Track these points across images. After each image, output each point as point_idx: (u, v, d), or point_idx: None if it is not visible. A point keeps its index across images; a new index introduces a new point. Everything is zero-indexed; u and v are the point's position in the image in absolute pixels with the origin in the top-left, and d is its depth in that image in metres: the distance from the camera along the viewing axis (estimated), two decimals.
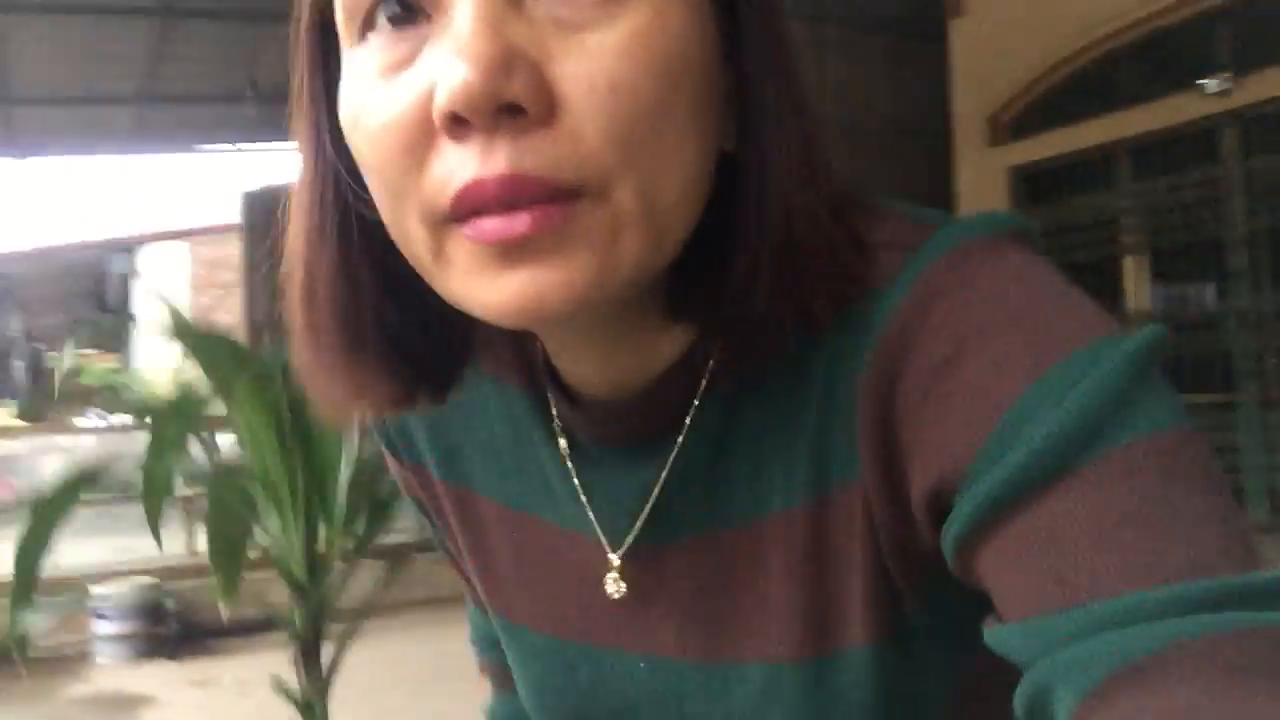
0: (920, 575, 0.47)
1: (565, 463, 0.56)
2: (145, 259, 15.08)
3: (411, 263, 0.44)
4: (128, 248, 15.35)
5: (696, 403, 0.50)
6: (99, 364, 10.65)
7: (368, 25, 0.42)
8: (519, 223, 0.39)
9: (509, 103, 0.38)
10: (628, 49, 0.39)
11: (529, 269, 0.40)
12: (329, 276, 0.46)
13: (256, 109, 6.58)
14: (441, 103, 0.38)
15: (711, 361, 0.50)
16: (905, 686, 0.49)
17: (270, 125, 6.34)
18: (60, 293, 15.05)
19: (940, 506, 0.42)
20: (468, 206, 0.39)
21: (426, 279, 0.44)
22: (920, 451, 0.42)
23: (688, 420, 0.51)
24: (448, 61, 0.38)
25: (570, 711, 0.59)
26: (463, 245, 0.41)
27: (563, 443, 0.56)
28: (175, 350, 2.49)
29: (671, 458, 0.51)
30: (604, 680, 0.57)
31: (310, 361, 0.48)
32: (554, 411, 0.56)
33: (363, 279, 0.46)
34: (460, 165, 0.39)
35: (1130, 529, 0.36)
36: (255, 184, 8.04)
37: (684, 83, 0.41)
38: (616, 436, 0.53)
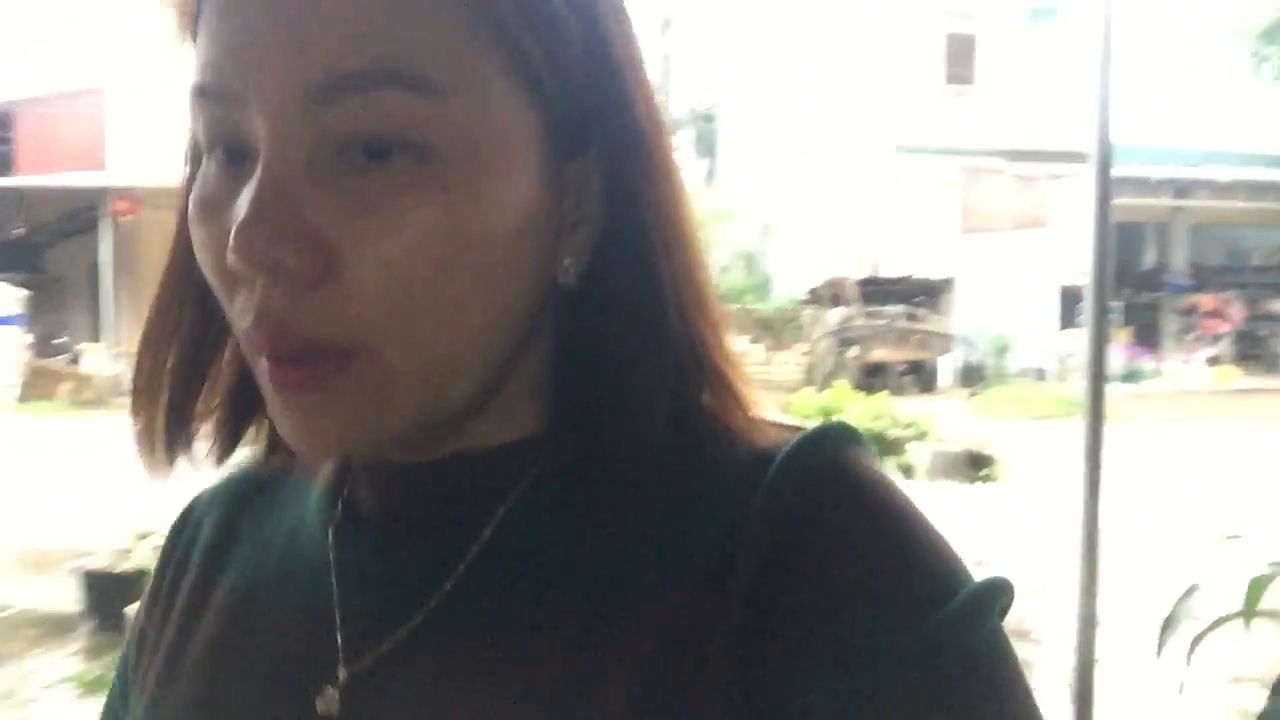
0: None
1: (329, 541, 0.52)
2: None
3: None
4: None
5: (521, 488, 0.49)
6: None
7: (210, 150, 0.44)
8: (290, 376, 0.42)
9: (279, 265, 0.40)
10: (409, 231, 0.41)
11: (303, 413, 0.43)
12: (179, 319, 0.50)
13: None
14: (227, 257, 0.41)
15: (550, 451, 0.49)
16: None
17: None
18: None
19: (772, 663, 0.42)
20: (252, 346, 0.43)
21: None
22: (784, 618, 0.43)
23: (502, 506, 0.49)
24: (236, 223, 0.40)
25: None
26: (262, 369, 0.44)
27: (326, 513, 0.54)
28: None
29: (482, 540, 0.48)
30: None
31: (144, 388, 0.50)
32: (345, 489, 0.54)
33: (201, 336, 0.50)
34: (246, 307, 0.42)
35: None
36: None
37: (473, 267, 0.42)
38: (416, 509, 0.50)
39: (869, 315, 16.62)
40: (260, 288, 0.41)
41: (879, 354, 16.11)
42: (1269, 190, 16.75)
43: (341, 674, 0.48)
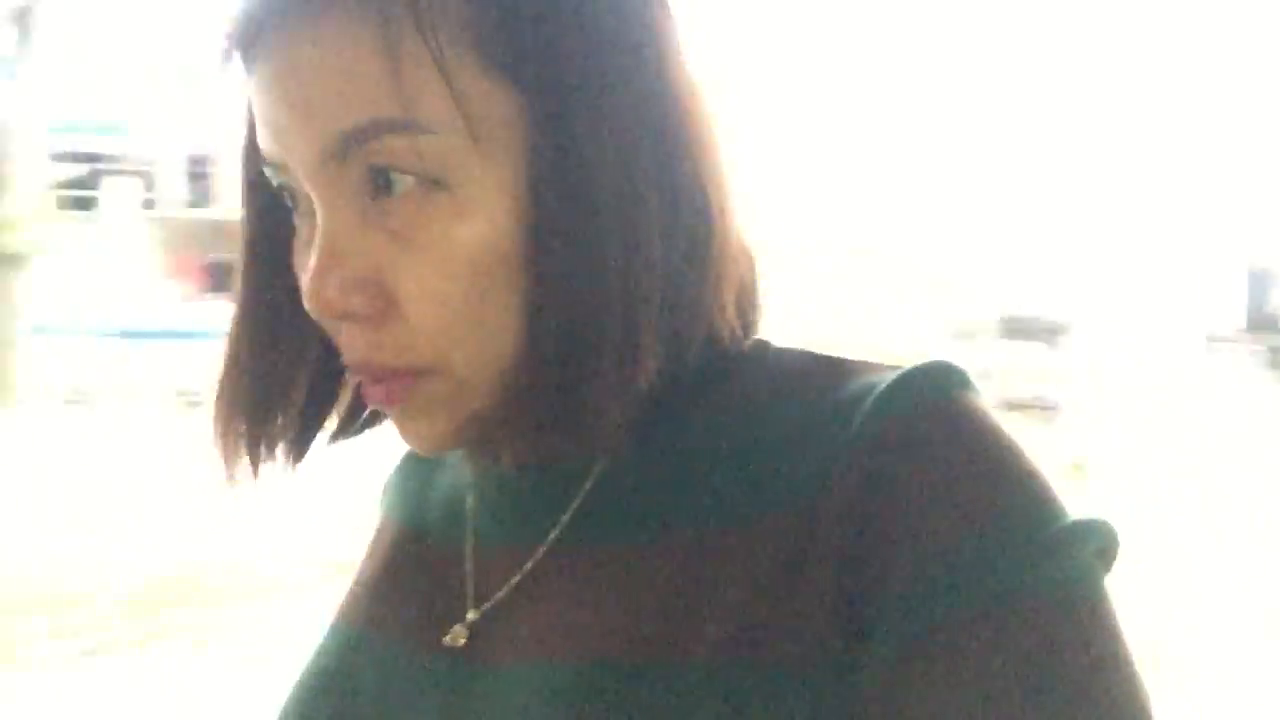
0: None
1: (468, 485, 0.57)
2: None
3: None
4: None
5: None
6: None
7: (293, 206, 0.49)
8: (374, 394, 0.48)
9: (348, 312, 0.46)
10: (441, 258, 0.45)
11: (400, 421, 0.49)
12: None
13: None
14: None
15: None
16: None
17: None
18: None
19: (861, 596, 0.43)
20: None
21: None
22: (876, 551, 0.43)
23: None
24: (305, 280, 0.46)
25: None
26: None
27: (470, 467, 0.57)
28: None
29: (593, 476, 0.51)
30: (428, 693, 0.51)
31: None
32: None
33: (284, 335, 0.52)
34: (340, 346, 0.49)
35: (1044, 687, 0.40)
36: None
37: (496, 269, 0.45)
38: (539, 453, 0.52)
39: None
40: (344, 330, 0.47)
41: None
42: None
43: (470, 612, 0.52)
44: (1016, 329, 18.00)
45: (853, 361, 0.50)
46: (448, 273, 0.45)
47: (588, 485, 0.51)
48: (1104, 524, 0.44)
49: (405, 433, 0.50)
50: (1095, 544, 0.44)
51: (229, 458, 0.53)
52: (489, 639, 0.51)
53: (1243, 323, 17.65)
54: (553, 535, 0.51)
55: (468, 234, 0.45)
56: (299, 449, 0.55)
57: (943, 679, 0.41)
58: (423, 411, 0.48)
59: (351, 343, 0.48)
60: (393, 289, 0.46)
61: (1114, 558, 0.45)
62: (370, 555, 0.63)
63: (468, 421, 0.48)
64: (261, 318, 0.53)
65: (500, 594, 0.52)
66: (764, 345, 0.53)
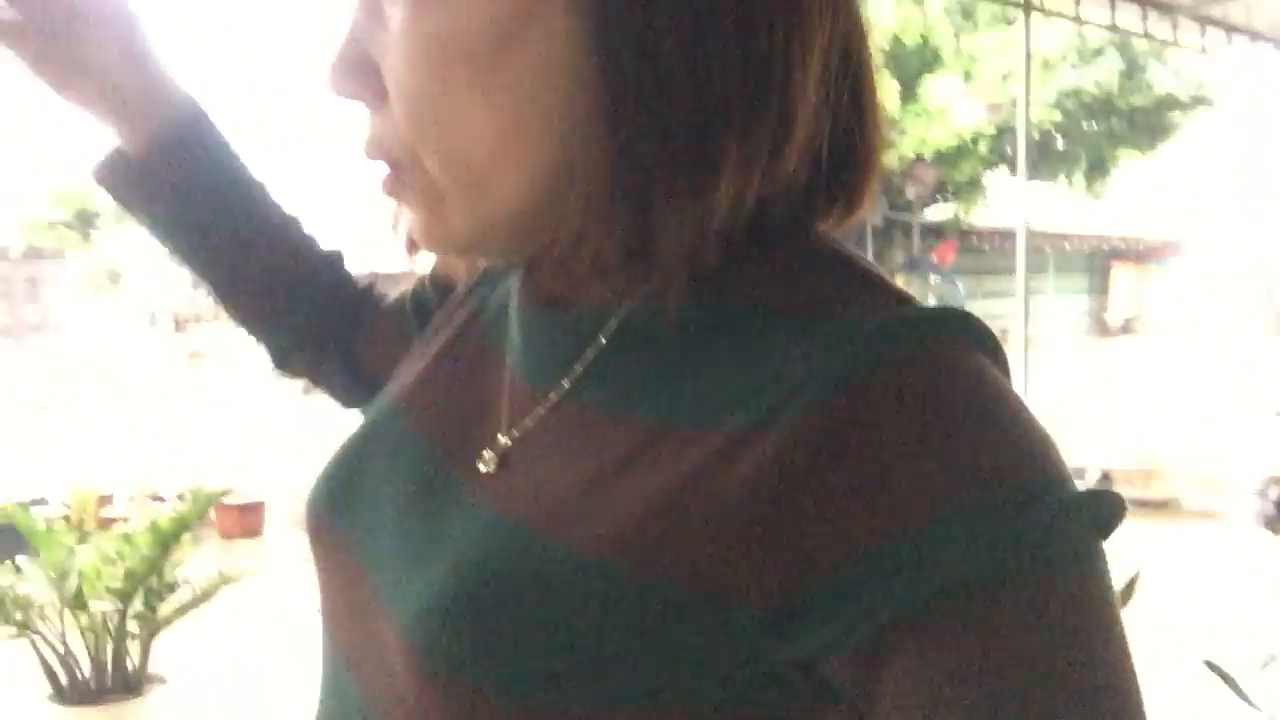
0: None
1: (515, 304, 0.55)
2: None
3: None
4: None
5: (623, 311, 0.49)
6: None
7: None
8: (380, 186, 0.50)
9: (352, 95, 0.48)
10: (399, 44, 0.45)
11: (408, 216, 0.50)
12: None
13: None
14: None
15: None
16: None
17: None
18: None
19: (805, 562, 0.39)
20: None
21: None
22: (835, 508, 0.39)
23: (618, 314, 0.49)
24: None
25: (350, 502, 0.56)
26: None
27: (516, 284, 0.55)
28: None
29: (600, 340, 0.50)
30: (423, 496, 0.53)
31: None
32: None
33: None
34: None
35: (1028, 677, 0.36)
36: None
37: (466, 75, 0.44)
38: (562, 301, 0.52)
39: None
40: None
41: None
42: None
43: (501, 439, 0.52)
44: None
45: (879, 286, 0.46)
46: (407, 63, 0.45)
47: (601, 341, 0.50)
48: (1105, 494, 0.40)
49: (410, 229, 0.50)
50: (1092, 516, 0.40)
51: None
52: (507, 474, 0.50)
53: None
54: (566, 383, 0.51)
55: (429, 25, 0.45)
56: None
57: (907, 683, 0.38)
58: (412, 207, 0.49)
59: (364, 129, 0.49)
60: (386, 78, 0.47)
61: (1114, 529, 0.41)
62: (441, 326, 0.64)
63: (446, 222, 0.48)
64: None
65: (527, 424, 0.51)
66: (809, 238, 0.49)
